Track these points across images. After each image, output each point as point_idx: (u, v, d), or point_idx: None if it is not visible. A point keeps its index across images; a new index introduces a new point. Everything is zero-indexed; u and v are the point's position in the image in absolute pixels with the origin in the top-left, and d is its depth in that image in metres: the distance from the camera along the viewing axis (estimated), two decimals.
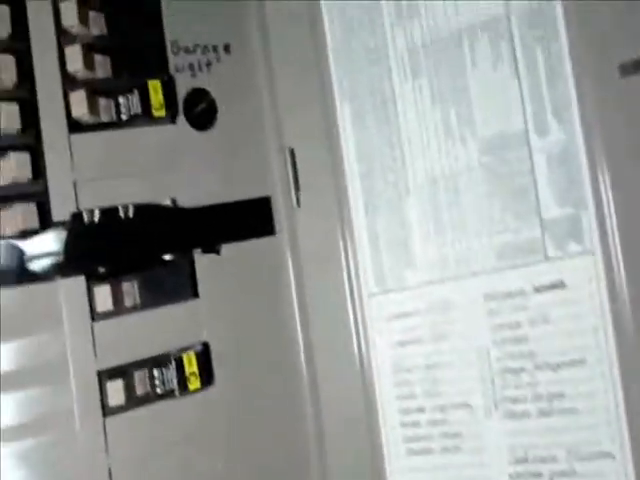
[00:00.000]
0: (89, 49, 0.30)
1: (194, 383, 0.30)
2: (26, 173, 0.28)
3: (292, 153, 0.33)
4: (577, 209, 0.27)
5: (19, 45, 0.28)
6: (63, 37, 0.29)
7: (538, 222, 0.28)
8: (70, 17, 0.29)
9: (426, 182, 0.30)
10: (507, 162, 0.28)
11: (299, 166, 0.32)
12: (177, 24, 0.32)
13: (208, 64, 0.33)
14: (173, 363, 0.30)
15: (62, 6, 0.29)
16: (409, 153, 0.30)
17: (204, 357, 0.31)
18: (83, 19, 0.30)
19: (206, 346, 0.31)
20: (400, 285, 0.31)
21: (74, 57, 0.29)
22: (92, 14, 0.30)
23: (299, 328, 0.33)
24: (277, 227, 0.33)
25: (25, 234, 0.28)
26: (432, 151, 0.29)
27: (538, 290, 0.28)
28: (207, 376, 0.31)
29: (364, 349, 0.31)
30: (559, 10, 0.27)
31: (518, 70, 0.28)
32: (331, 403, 0.32)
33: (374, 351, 0.31)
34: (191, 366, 0.31)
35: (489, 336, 0.29)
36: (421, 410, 0.30)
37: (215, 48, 0.33)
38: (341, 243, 0.32)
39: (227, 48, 0.34)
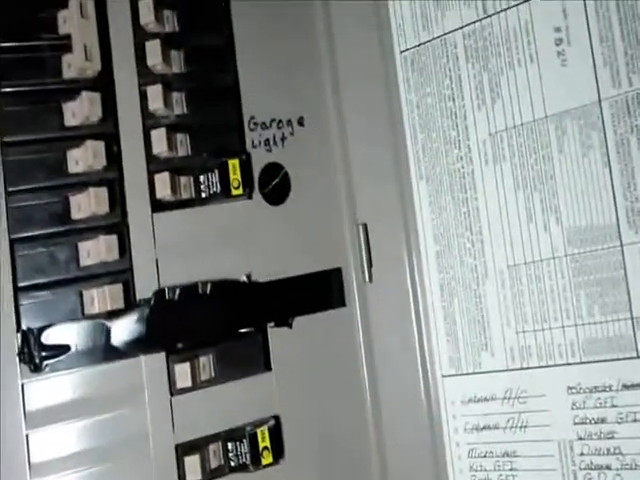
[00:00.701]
0: (172, 130, 0.31)
1: (267, 458, 0.31)
2: (113, 254, 0.29)
3: (365, 228, 0.33)
4: None
5: (109, 129, 0.30)
6: (148, 120, 0.31)
7: (629, 318, 0.27)
8: (156, 100, 0.30)
9: (506, 267, 0.29)
10: (595, 255, 0.27)
11: (372, 242, 0.32)
12: (254, 100, 0.33)
13: (283, 138, 0.33)
14: (247, 438, 0.30)
15: (149, 89, 0.31)
16: (488, 237, 0.29)
17: (276, 431, 0.31)
18: (168, 101, 0.31)
19: (277, 420, 0.31)
20: (476, 368, 0.30)
21: (159, 140, 0.30)
22: (175, 95, 0.31)
23: (369, 403, 0.33)
24: (348, 300, 0.33)
25: (111, 314, 0.29)
26: (513, 236, 0.29)
27: (627, 387, 0.26)
28: (278, 450, 0.31)
29: (436, 430, 0.31)
30: None
31: (609, 159, 0.27)
32: None
33: (447, 433, 0.31)
34: (264, 441, 0.31)
35: (572, 429, 0.28)
36: None
37: (289, 122, 0.34)
38: (414, 321, 0.31)
39: (301, 121, 0.34)
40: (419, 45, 0.32)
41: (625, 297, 0.27)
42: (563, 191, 0.28)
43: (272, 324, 0.32)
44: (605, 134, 0.27)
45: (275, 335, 0.32)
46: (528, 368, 0.28)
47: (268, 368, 0.32)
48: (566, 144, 0.28)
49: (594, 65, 0.27)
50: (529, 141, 0.29)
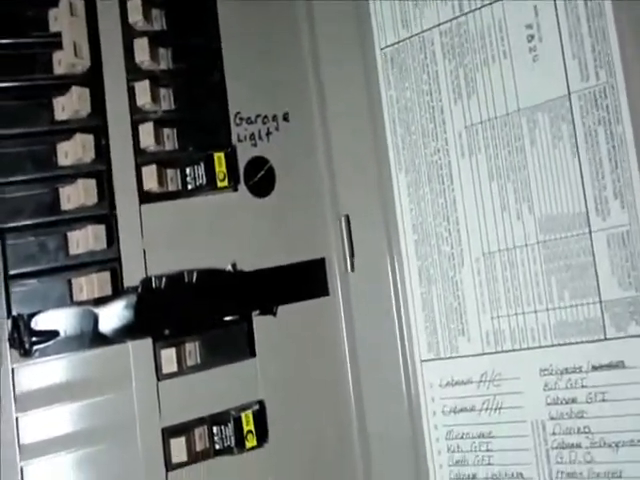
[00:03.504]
0: (160, 124, 0.32)
1: (251, 441, 0.32)
2: (101, 243, 0.30)
3: (347, 220, 0.34)
4: (639, 291, 0.27)
5: (97, 123, 0.31)
6: (136, 115, 0.32)
7: (598, 302, 0.28)
8: (144, 96, 0.32)
9: (481, 255, 0.30)
10: (565, 241, 0.28)
11: (354, 232, 0.33)
12: (240, 96, 0.34)
13: (268, 133, 0.34)
14: (232, 422, 0.31)
15: (137, 85, 0.32)
16: (464, 226, 0.30)
17: (260, 416, 0.32)
18: (155, 96, 0.32)
19: (262, 404, 0.32)
20: (453, 353, 0.31)
21: (147, 134, 0.31)
22: (162, 91, 0.33)
23: (351, 389, 0.34)
24: (331, 289, 0.35)
25: (99, 300, 0.30)
26: (488, 225, 0.30)
27: (596, 368, 0.27)
28: (262, 434, 0.32)
29: (415, 413, 0.32)
30: (622, 92, 0.27)
31: (578, 150, 0.28)
32: (382, 465, 0.33)
33: (426, 416, 0.32)
34: (248, 425, 0.32)
35: (545, 410, 0.29)
36: (473, 477, 0.31)
37: (275, 117, 0.35)
38: (394, 308, 0.33)
39: (286, 117, 0.35)
40: (398, 42, 0.33)
41: (594, 282, 0.28)
42: (535, 181, 0.29)
43: (257, 312, 0.33)
44: (574, 126, 0.28)
45: (260, 323, 0.33)
46: (502, 352, 0.30)
47: (253, 355, 0.33)
48: (538, 136, 0.29)
49: (564, 60, 0.29)
50: (503, 134, 0.30)
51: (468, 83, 0.31)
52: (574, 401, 0.28)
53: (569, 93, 0.28)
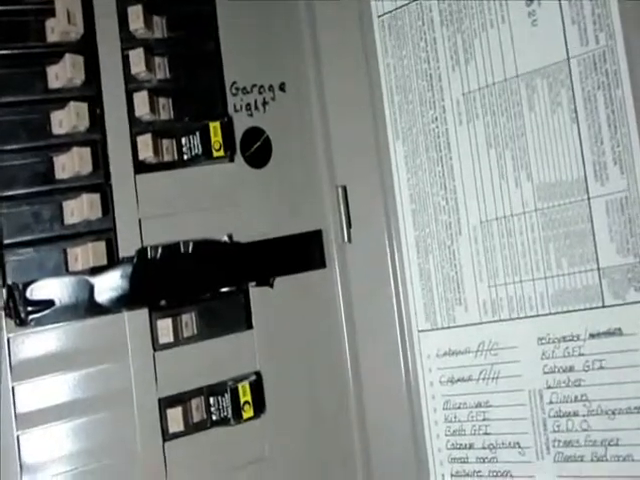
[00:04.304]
0: (154, 94, 0.32)
1: (248, 412, 0.32)
2: (96, 212, 0.30)
3: (344, 190, 0.33)
4: (638, 258, 0.27)
5: (92, 92, 0.31)
6: (131, 84, 0.31)
7: (596, 269, 0.27)
8: (138, 64, 0.31)
9: (479, 223, 0.30)
10: (564, 208, 0.28)
11: (351, 203, 0.33)
12: (235, 65, 0.33)
13: (264, 103, 0.34)
14: (229, 392, 0.31)
15: (131, 54, 0.31)
16: (462, 194, 0.30)
17: (257, 386, 0.32)
18: (150, 65, 0.31)
19: (259, 376, 0.32)
20: (450, 323, 0.31)
21: (141, 102, 0.31)
22: (157, 60, 0.32)
23: (349, 360, 0.34)
24: (328, 261, 0.34)
25: (94, 270, 0.30)
26: (486, 193, 0.30)
27: (594, 336, 0.27)
28: (259, 404, 0.32)
29: (413, 383, 0.32)
30: (622, 56, 0.27)
31: (577, 116, 0.27)
32: (379, 435, 0.33)
33: (423, 386, 0.32)
34: (245, 395, 0.32)
35: (542, 379, 0.29)
36: (470, 446, 0.31)
37: (271, 87, 0.34)
38: (392, 279, 0.32)
39: (282, 87, 0.35)
40: (396, 9, 0.32)
41: (592, 249, 0.27)
42: (533, 148, 0.29)
43: (253, 284, 0.33)
44: (573, 91, 0.28)
45: (256, 294, 0.33)
46: (500, 321, 0.29)
47: (250, 327, 0.33)
48: (536, 102, 0.29)
49: (563, 24, 0.28)
50: (501, 100, 0.29)
51: (466, 49, 0.30)
52: (571, 369, 0.28)
53: (568, 58, 0.28)
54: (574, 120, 0.28)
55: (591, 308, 0.27)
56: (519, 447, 0.29)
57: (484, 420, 0.30)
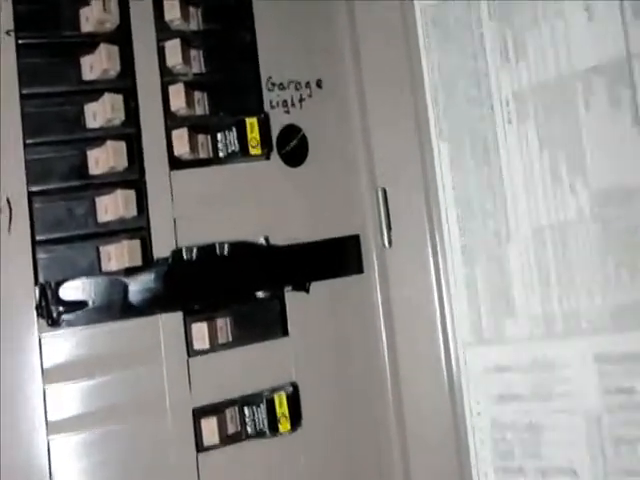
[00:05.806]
0: (190, 88, 0.30)
1: (284, 425, 0.30)
2: (132, 210, 0.29)
3: (384, 192, 0.32)
4: None
5: (126, 84, 0.29)
6: (166, 76, 0.30)
7: None
8: (174, 56, 0.30)
9: (530, 231, 0.28)
10: (624, 216, 0.26)
11: (391, 206, 0.32)
12: (271, 60, 0.32)
13: (301, 100, 0.33)
14: (264, 403, 0.30)
15: (167, 45, 0.30)
16: (511, 199, 0.29)
17: (294, 398, 0.30)
18: (186, 57, 0.30)
19: (295, 387, 0.31)
20: (498, 336, 0.29)
21: (177, 96, 0.30)
22: (193, 52, 0.31)
23: (388, 372, 0.32)
24: (366, 266, 0.33)
25: (129, 270, 0.28)
26: (537, 199, 0.28)
27: None
28: (296, 417, 0.30)
29: (458, 401, 0.30)
30: None
31: (638, 117, 0.26)
32: (420, 453, 0.31)
33: (468, 402, 0.30)
34: (282, 407, 0.30)
35: (600, 400, 0.27)
36: (521, 471, 0.29)
37: (308, 84, 0.33)
38: (435, 287, 0.31)
39: (319, 83, 0.33)
40: (441, 3, 0.31)
41: None
42: (590, 150, 0.27)
43: (289, 288, 0.32)
44: (634, 91, 0.27)
45: (292, 300, 0.31)
46: (553, 336, 0.28)
47: (285, 333, 0.31)
48: (593, 102, 0.27)
49: (623, 19, 0.27)
50: (555, 99, 0.28)
51: (516, 45, 0.29)
52: (632, 391, 0.26)
53: (629, 55, 0.27)
54: (635, 122, 0.26)
55: None
56: (574, 474, 0.27)
57: (536, 443, 0.28)
